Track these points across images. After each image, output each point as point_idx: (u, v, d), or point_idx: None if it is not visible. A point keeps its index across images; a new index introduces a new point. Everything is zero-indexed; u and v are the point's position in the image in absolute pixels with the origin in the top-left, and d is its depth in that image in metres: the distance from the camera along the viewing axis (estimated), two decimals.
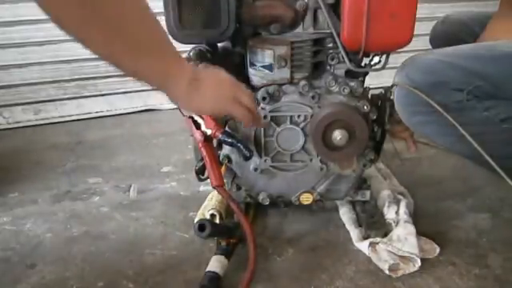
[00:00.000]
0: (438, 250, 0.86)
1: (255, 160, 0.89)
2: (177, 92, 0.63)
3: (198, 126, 0.78)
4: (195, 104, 0.67)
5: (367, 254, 0.86)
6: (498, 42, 0.80)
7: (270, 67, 0.81)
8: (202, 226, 0.75)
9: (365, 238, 0.89)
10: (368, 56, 0.85)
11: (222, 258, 0.80)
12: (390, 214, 0.93)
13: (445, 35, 1.18)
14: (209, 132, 0.78)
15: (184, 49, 0.84)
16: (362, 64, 0.85)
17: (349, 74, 0.85)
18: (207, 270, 0.78)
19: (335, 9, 0.81)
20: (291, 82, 0.83)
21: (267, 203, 0.94)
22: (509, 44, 0.77)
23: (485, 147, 0.68)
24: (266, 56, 0.81)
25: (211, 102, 0.68)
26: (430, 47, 1.18)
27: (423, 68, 0.78)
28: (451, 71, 0.76)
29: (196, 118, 0.78)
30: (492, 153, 0.67)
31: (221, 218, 0.93)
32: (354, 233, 0.91)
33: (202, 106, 0.68)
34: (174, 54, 0.62)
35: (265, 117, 0.84)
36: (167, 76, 0.61)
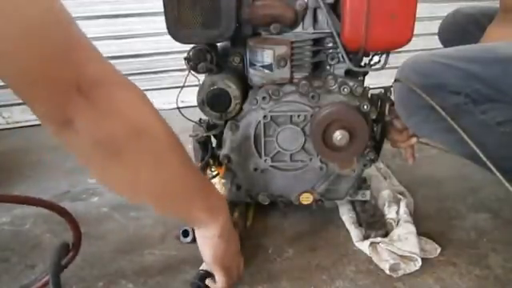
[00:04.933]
0: (438, 249, 0.86)
1: (255, 160, 0.89)
2: (207, 235, 0.68)
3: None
4: (217, 253, 0.70)
5: (368, 253, 0.86)
6: (498, 43, 0.79)
7: (269, 67, 0.81)
8: (185, 232, 0.75)
9: (365, 237, 0.89)
10: (368, 56, 0.85)
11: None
12: (390, 213, 0.93)
13: (453, 28, 1.18)
14: None
15: (184, 49, 0.84)
16: (362, 64, 0.84)
17: (349, 73, 0.85)
18: (200, 268, 0.78)
19: (335, 8, 0.81)
20: (291, 81, 0.83)
21: (267, 203, 0.94)
22: (509, 46, 0.76)
23: (483, 149, 0.68)
24: (265, 56, 0.81)
25: (227, 256, 0.71)
26: (429, 47, 1.18)
27: (421, 70, 0.77)
28: (450, 74, 0.76)
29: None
30: (491, 155, 0.67)
31: None
32: (354, 233, 0.91)
33: (221, 256, 0.70)
34: (212, 207, 0.66)
35: (265, 117, 0.84)
36: (195, 223, 0.68)
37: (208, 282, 0.75)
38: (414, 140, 0.90)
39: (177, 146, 0.59)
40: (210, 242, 0.69)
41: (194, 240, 0.75)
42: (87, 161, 0.54)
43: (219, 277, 0.72)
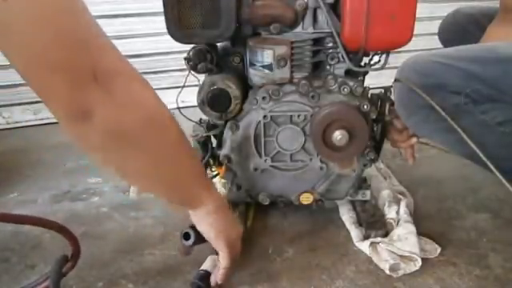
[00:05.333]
0: (438, 250, 0.86)
1: (255, 160, 0.89)
2: (204, 212, 0.71)
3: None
4: (218, 227, 0.72)
5: (368, 253, 0.86)
6: (498, 43, 0.79)
7: (270, 67, 0.81)
8: (186, 235, 0.75)
9: (365, 237, 0.89)
10: (368, 55, 0.85)
11: (217, 257, 0.79)
12: (390, 213, 0.93)
13: (453, 28, 1.18)
14: None
15: (184, 49, 0.84)
16: (362, 63, 0.84)
17: (349, 73, 0.85)
18: (200, 268, 0.78)
19: (335, 8, 0.81)
20: (291, 81, 0.83)
21: (267, 203, 0.94)
22: (510, 46, 0.76)
23: (483, 149, 0.68)
24: (265, 56, 0.81)
25: (228, 229, 0.74)
26: (429, 47, 1.18)
27: (421, 70, 0.77)
28: (450, 74, 0.75)
29: None
30: (491, 155, 0.67)
31: None
32: (355, 233, 0.91)
33: (222, 229, 0.73)
34: (207, 185, 0.72)
35: (265, 117, 0.84)
36: (196, 201, 0.70)
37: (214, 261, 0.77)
38: (414, 140, 0.90)
39: (183, 133, 0.63)
40: (209, 218, 0.71)
41: (195, 242, 0.75)
42: (101, 151, 0.55)
43: (224, 253, 0.73)
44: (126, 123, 0.52)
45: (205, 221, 0.72)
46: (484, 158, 0.67)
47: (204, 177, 0.72)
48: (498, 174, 0.66)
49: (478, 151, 0.67)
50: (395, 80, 0.80)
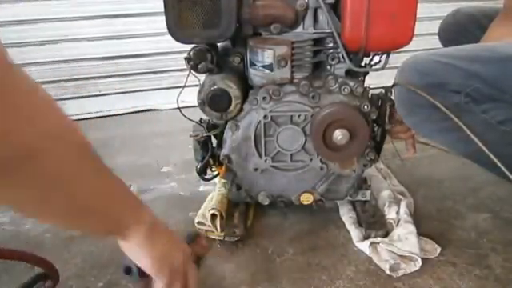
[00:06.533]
0: (438, 250, 0.86)
1: (255, 160, 0.89)
2: (136, 240, 0.59)
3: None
4: (155, 252, 0.60)
5: (368, 253, 0.86)
6: (499, 43, 0.79)
7: (270, 67, 0.81)
8: (128, 269, 0.66)
9: (365, 237, 0.89)
10: (368, 56, 0.85)
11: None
12: (390, 213, 0.93)
13: (454, 28, 1.18)
14: None
15: (184, 49, 0.84)
16: (363, 64, 0.84)
17: (349, 73, 0.85)
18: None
19: (335, 8, 0.81)
20: (291, 81, 0.83)
21: (267, 203, 0.94)
22: (510, 45, 0.76)
23: (485, 148, 0.68)
24: (266, 56, 0.81)
25: (168, 254, 0.62)
26: (429, 47, 1.18)
27: (422, 69, 0.78)
28: (450, 73, 0.76)
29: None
30: (493, 153, 0.67)
31: (221, 217, 0.93)
32: (355, 233, 0.91)
33: (161, 255, 0.61)
34: (134, 205, 0.59)
35: (265, 117, 0.84)
36: (120, 228, 0.58)
37: None
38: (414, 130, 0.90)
39: (87, 144, 0.50)
40: (142, 244, 0.60)
41: (141, 274, 0.64)
42: None
43: (164, 285, 0.61)
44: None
45: (137, 248, 0.60)
46: (490, 154, 0.66)
47: (128, 195, 0.59)
48: (499, 164, 0.65)
49: (483, 148, 0.67)
50: (394, 84, 0.80)
